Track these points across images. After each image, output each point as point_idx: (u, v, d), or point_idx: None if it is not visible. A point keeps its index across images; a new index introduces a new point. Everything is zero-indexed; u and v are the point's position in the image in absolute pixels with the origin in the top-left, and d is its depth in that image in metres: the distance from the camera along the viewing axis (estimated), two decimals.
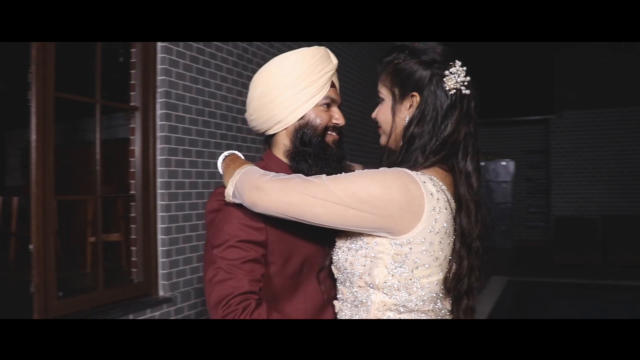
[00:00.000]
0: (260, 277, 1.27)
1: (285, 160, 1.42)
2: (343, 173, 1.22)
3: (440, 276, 1.22)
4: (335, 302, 1.35)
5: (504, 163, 10.00)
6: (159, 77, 3.05)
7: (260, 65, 3.92)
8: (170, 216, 3.09)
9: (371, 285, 1.22)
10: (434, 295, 1.22)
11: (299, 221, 1.20)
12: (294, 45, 4.31)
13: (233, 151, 1.45)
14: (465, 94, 1.25)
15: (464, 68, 1.25)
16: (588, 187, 9.62)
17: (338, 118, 1.42)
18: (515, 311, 5.96)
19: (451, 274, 1.22)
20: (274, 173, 1.24)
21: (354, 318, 1.26)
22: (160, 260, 3.06)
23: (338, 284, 1.33)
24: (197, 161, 3.30)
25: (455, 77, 1.24)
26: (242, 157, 1.42)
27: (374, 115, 1.39)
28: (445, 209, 1.19)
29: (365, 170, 1.23)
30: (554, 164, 9.90)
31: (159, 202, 3.06)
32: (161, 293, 3.06)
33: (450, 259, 1.22)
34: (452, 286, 1.23)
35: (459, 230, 1.22)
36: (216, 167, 3.45)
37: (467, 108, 1.26)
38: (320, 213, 1.16)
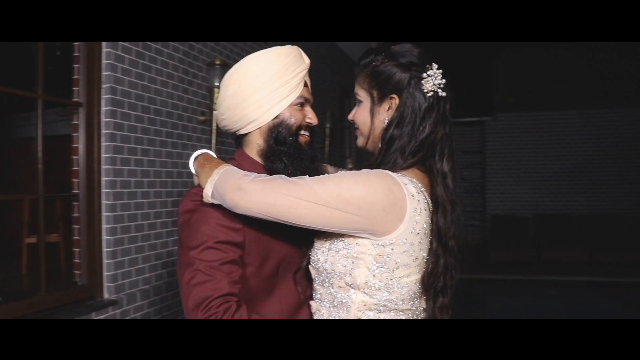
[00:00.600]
0: (239, 279, 1.25)
1: (258, 159, 1.40)
2: (325, 174, 1.23)
3: (418, 275, 1.24)
4: (311, 302, 1.35)
5: None
6: (104, 73, 2.94)
7: (204, 64, 3.85)
8: (116, 216, 2.99)
9: (352, 285, 1.22)
10: (412, 294, 1.24)
11: (281, 222, 1.19)
12: (239, 44, 4.27)
13: (205, 150, 1.41)
14: (441, 96, 1.28)
15: (440, 71, 1.28)
16: (521, 186, 10.01)
17: (311, 117, 1.42)
18: (455, 308, 6.12)
19: (428, 273, 1.24)
20: (255, 174, 1.23)
21: (333, 318, 1.26)
22: (105, 261, 2.95)
23: (315, 285, 1.32)
24: (143, 159, 3.21)
25: (433, 80, 1.27)
26: (215, 156, 1.39)
27: (350, 117, 1.40)
28: (425, 209, 1.22)
29: (348, 171, 1.24)
30: (489, 164, 10.24)
31: (104, 202, 2.96)
32: (106, 295, 2.96)
33: (427, 258, 1.24)
34: (429, 284, 1.25)
35: (436, 229, 1.25)
36: (162, 167, 3.40)
37: (444, 110, 1.29)
38: (304, 214, 1.16)
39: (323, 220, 1.17)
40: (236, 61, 4.09)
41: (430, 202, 1.26)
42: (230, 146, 4.21)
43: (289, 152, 1.35)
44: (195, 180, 1.36)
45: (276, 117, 1.37)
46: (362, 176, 1.18)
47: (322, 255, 1.27)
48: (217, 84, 3.79)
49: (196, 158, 1.37)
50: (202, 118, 3.82)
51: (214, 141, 3.87)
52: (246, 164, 1.38)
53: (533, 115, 9.92)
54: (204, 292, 1.19)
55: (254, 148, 1.41)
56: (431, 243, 1.25)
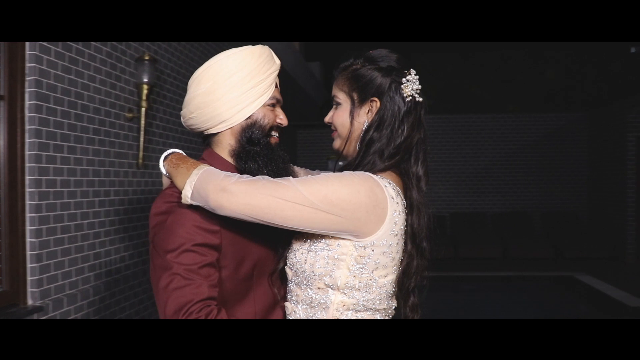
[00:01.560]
0: (217, 282, 1.21)
1: (229, 159, 1.37)
2: (309, 176, 1.22)
3: (394, 275, 1.27)
4: (286, 303, 1.33)
5: None
6: (28, 64, 2.76)
7: (133, 59, 3.70)
8: (41, 217, 2.81)
9: (332, 286, 1.22)
10: (388, 293, 1.27)
11: (264, 224, 1.17)
12: (172, 43, 4.14)
13: (175, 149, 1.35)
14: (418, 101, 1.32)
15: (417, 76, 1.31)
16: (439, 186, 10.36)
17: (282, 118, 1.42)
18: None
19: (402, 273, 1.27)
20: (238, 175, 1.20)
21: (310, 318, 1.25)
22: (29, 265, 2.78)
23: (292, 286, 1.31)
24: (70, 157, 3.05)
25: (412, 85, 1.31)
26: (186, 156, 1.33)
27: (327, 119, 1.40)
28: (403, 211, 1.25)
29: (331, 173, 1.24)
30: None
31: (28, 202, 2.78)
32: (30, 302, 2.78)
33: (402, 259, 1.27)
34: (402, 284, 1.28)
35: (410, 231, 1.28)
36: (89, 165, 3.24)
37: (419, 115, 1.33)
38: (290, 216, 1.15)
39: (308, 222, 1.16)
40: (164, 57, 3.99)
41: (405, 204, 1.28)
42: (158, 144, 4.09)
43: (263, 152, 1.34)
44: (165, 181, 1.31)
45: (249, 118, 1.35)
46: (346, 178, 1.19)
47: (301, 256, 1.26)
48: (145, 80, 3.66)
49: (166, 158, 1.32)
50: (130, 115, 3.67)
51: (142, 139, 3.74)
52: (217, 164, 1.35)
53: (451, 118, 10.31)
54: (184, 297, 1.15)
55: (225, 148, 1.38)
56: (405, 244, 1.28)
